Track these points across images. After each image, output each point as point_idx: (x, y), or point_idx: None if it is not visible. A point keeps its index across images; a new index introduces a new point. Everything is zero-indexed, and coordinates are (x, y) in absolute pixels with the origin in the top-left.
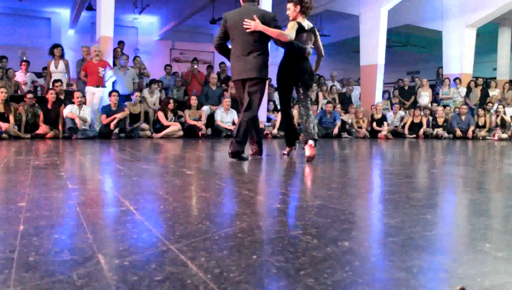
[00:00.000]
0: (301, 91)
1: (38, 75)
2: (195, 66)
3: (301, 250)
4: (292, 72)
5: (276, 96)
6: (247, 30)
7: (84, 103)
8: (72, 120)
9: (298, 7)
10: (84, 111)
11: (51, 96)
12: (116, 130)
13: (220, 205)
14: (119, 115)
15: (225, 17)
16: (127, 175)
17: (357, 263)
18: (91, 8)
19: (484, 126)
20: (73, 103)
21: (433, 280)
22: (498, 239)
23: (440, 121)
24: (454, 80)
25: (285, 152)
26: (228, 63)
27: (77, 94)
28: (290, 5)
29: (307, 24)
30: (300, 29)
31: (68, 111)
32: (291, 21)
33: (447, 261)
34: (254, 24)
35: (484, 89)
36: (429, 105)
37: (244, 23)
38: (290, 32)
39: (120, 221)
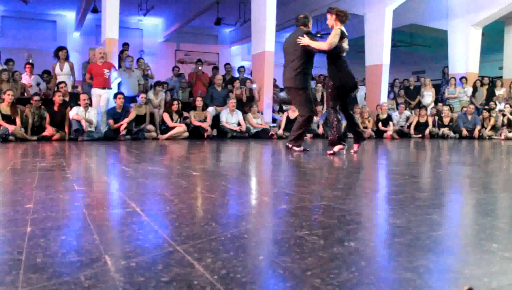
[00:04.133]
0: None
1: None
2: (200, 68)
3: (307, 251)
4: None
5: (282, 96)
6: (299, 44)
7: (90, 105)
8: (78, 122)
9: (334, 16)
10: (89, 113)
11: (58, 99)
12: (123, 132)
13: (226, 206)
14: (126, 120)
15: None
16: (133, 176)
17: (363, 263)
18: (96, 10)
19: (493, 127)
20: (79, 105)
21: (440, 280)
22: (505, 239)
23: (446, 120)
24: (460, 79)
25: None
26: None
27: (83, 96)
28: (328, 15)
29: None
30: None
31: (74, 113)
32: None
33: (454, 261)
34: (302, 40)
35: (490, 88)
36: (432, 104)
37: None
38: (334, 39)
39: (126, 223)
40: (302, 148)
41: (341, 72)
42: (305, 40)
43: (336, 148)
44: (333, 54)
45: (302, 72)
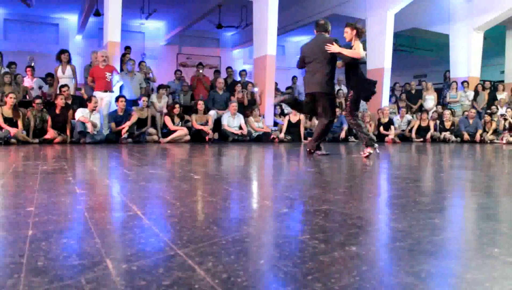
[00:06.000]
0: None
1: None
2: (200, 71)
3: (308, 255)
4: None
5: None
6: (329, 51)
7: (95, 109)
8: (83, 123)
9: (354, 31)
10: (94, 116)
11: (60, 102)
12: (125, 135)
13: (227, 209)
14: (128, 123)
15: (303, 48)
16: (134, 179)
17: (365, 267)
18: (98, 13)
19: (495, 131)
20: (84, 107)
21: (441, 285)
22: (507, 243)
23: (448, 124)
24: (462, 83)
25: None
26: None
27: (94, 100)
28: (347, 29)
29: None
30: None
31: (79, 114)
32: (353, 41)
33: (455, 265)
34: (333, 47)
35: (491, 93)
36: (435, 108)
37: (326, 46)
38: (361, 50)
39: (127, 226)
40: (324, 151)
41: (360, 81)
42: (335, 48)
43: (368, 150)
44: (354, 64)
45: (331, 78)
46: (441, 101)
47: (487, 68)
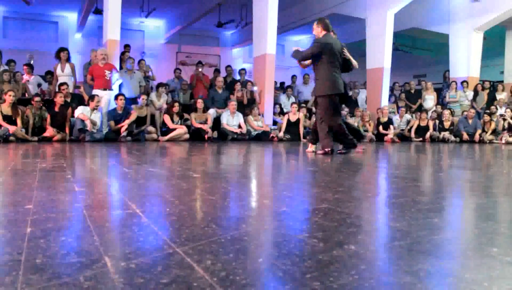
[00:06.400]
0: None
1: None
2: (200, 69)
3: (307, 254)
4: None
5: (282, 99)
6: (344, 56)
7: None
8: (83, 121)
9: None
10: (95, 115)
11: (59, 100)
12: (124, 133)
13: (226, 208)
14: (127, 121)
15: (326, 45)
16: (133, 178)
17: (363, 267)
18: (98, 12)
19: (494, 131)
20: (85, 105)
21: (440, 285)
22: (505, 243)
23: (447, 124)
24: (461, 83)
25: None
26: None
27: (97, 98)
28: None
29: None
30: None
31: (79, 112)
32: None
33: (454, 265)
34: (347, 53)
35: (491, 93)
36: (434, 108)
37: (343, 51)
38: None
39: (126, 224)
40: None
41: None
42: (348, 54)
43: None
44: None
45: None
46: (441, 101)
47: (487, 68)
